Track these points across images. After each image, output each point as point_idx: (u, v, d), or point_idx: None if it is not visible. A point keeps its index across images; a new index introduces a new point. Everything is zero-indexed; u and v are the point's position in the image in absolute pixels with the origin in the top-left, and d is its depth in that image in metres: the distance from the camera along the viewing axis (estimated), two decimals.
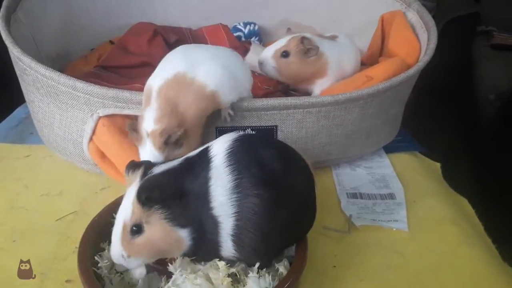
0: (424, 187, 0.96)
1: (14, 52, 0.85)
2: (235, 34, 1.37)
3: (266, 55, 1.05)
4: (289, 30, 1.12)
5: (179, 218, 0.59)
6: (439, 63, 1.07)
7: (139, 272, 0.64)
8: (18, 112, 1.15)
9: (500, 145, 1.48)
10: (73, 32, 1.23)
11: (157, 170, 0.61)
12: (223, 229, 0.59)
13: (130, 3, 1.34)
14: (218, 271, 0.61)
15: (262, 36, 1.43)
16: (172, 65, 0.77)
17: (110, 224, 0.66)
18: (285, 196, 0.61)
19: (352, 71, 1.09)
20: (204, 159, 0.62)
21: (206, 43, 1.34)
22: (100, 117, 0.83)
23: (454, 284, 0.73)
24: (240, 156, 0.61)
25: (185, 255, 0.62)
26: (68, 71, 1.11)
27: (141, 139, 0.73)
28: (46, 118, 0.90)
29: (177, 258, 0.63)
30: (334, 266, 0.75)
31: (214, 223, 0.59)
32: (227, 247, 0.61)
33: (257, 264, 0.63)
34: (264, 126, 0.86)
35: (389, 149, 1.07)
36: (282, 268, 0.64)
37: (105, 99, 0.81)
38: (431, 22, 1.08)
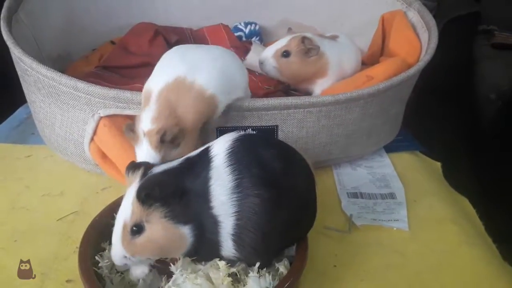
0: (424, 186, 0.96)
1: (16, 52, 0.86)
2: (236, 34, 1.37)
3: (266, 54, 1.05)
4: (290, 30, 1.12)
5: (179, 216, 0.59)
6: (439, 62, 1.07)
7: (140, 271, 0.64)
8: (19, 112, 1.16)
9: (501, 144, 1.48)
10: (75, 32, 1.23)
11: (157, 170, 0.61)
12: (224, 228, 0.59)
13: (131, 3, 1.34)
14: (219, 270, 0.61)
15: (263, 36, 1.43)
16: (171, 68, 0.77)
17: (111, 224, 0.66)
18: (286, 196, 0.61)
19: (352, 71, 1.09)
20: (204, 159, 0.62)
21: (207, 43, 1.34)
22: (101, 118, 0.83)
23: (454, 283, 0.73)
24: (240, 156, 0.61)
25: (186, 254, 0.62)
26: (69, 71, 1.11)
27: (138, 139, 0.73)
28: (47, 119, 0.90)
29: (179, 258, 0.63)
30: (335, 266, 0.75)
31: (214, 223, 0.59)
32: (228, 246, 0.61)
33: (258, 264, 0.62)
34: (264, 126, 0.86)
35: (390, 148, 1.07)
36: (282, 267, 0.64)
37: (106, 100, 0.81)
38: (432, 22, 1.08)
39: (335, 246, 0.79)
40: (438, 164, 1.06)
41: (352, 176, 0.98)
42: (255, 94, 1.09)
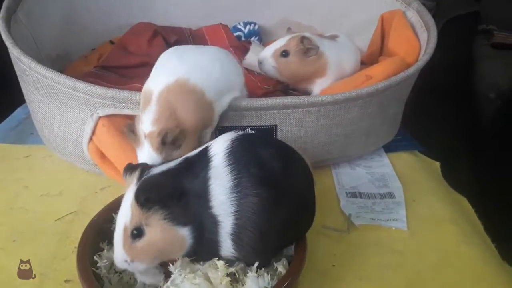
0: (423, 186, 0.96)
1: (14, 52, 0.86)
2: (235, 34, 1.37)
3: (265, 54, 1.05)
4: (289, 30, 1.12)
5: (179, 218, 0.59)
6: (439, 62, 1.07)
7: (155, 279, 0.64)
8: (18, 112, 1.16)
9: (500, 144, 1.48)
10: (74, 32, 1.23)
11: (154, 171, 0.61)
12: (223, 228, 0.59)
13: (132, 3, 1.35)
14: (217, 270, 0.61)
15: (262, 36, 1.44)
16: (171, 69, 0.77)
17: (109, 224, 0.67)
18: (285, 195, 0.61)
19: (351, 71, 1.09)
20: (203, 158, 0.62)
21: (206, 43, 1.34)
22: (99, 117, 0.83)
23: (453, 283, 0.73)
24: (239, 156, 0.61)
25: (185, 255, 0.62)
26: (68, 71, 1.11)
27: (138, 140, 0.73)
28: (46, 119, 0.90)
29: (178, 258, 0.63)
30: (334, 266, 0.75)
31: (213, 222, 0.59)
32: (226, 246, 0.61)
33: (256, 264, 0.62)
34: (263, 126, 0.86)
35: (389, 148, 1.07)
36: (281, 267, 0.64)
37: (105, 99, 0.81)
38: (431, 21, 1.08)
39: (334, 245, 0.79)
40: (437, 163, 1.06)
41: (351, 176, 0.98)
42: (254, 94, 1.09)
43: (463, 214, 0.89)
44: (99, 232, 0.68)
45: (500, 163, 1.41)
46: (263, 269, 0.64)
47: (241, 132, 0.65)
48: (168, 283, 0.61)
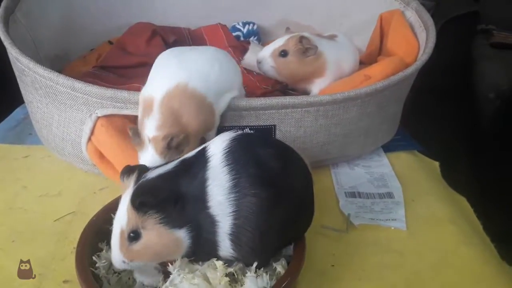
0: (422, 186, 0.96)
1: (13, 52, 0.85)
2: (234, 34, 1.37)
3: (264, 54, 1.05)
4: (288, 30, 1.12)
5: (175, 221, 0.58)
6: (438, 62, 1.07)
7: (153, 279, 0.64)
8: (16, 112, 1.16)
9: (499, 144, 1.48)
10: (73, 32, 1.23)
11: (151, 174, 0.61)
12: (221, 228, 0.59)
13: (131, 3, 1.34)
14: (216, 270, 0.61)
15: (261, 36, 1.44)
16: (171, 74, 0.77)
17: (108, 224, 0.66)
18: (283, 195, 0.61)
19: (350, 71, 1.09)
20: (201, 159, 0.62)
21: (205, 43, 1.34)
22: (98, 118, 0.83)
23: (452, 283, 0.73)
24: (238, 156, 0.61)
25: (184, 255, 0.62)
26: (66, 71, 1.11)
27: (142, 144, 0.73)
28: (44, 119, 0.90)
29: (176, 259, 0.63)
30: (333, 265, 0.75)
31: (211, 222, 0.59)
32: (225, 246, 0.61)
33: (255, 264, 0.62)
34: (262, 126, 0.86)
35: (388, 148, 1.07)
36: (280, 267, 0.64)
37: (103, 99, 0.81)
38: (430, 21, 1.08)
39: (333, 245, 0.78)
40: (436, 163, 1.06)
41: (350, 176, 0.98)
42: (253, 94, 1.10)
43: (462, 214, 0.89)
44: (98, 232, 0.68)
45: (499, 163, 1.42)
46: (262, 269, 0.63)
47: (239, 132, 0.65)
48: (167, 283, 0.61)
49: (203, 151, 0.63)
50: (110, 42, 1.31)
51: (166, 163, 0.64)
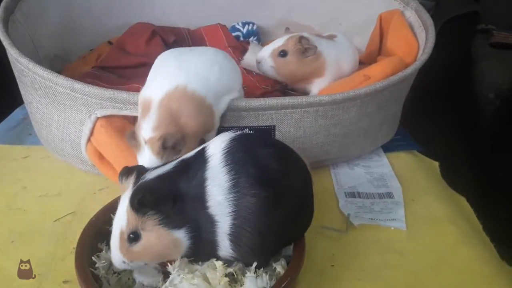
0: (422, 186, 0.96)
1: (12, 53, 0.85)
2: (233, 34, 1.37)
3: (263, 54, 1.05)
4: (287, 30, 1.12)
5: (174, 222, 0.58)
6: (437, 62, 1.07)
7: (153, 279, 0.64)
8: (16, 113, 1.16)
9: (499, 143, 1.48)
10: (72, 32, 1.23)
11: (150, 175, 0.61)
12: (220, 228, 0.59)
13: (130, 3, 1.35)
14: (216, 271, 0.61)
15: (261, 36, 1.44)
16: (170, 75, 0.77)
17: (108, 224, 0.67)
18: (283, 195, 0.61)
19: (350, 71, 1.09)
20: (200, 159, 0.62)
21: (204, 43, 1.34)
22: (98, 118, 0.83)
23: (452, 282, 0.73)
24: (237, 156, 0.61)
25: (183, 255, 0.62)
26: (66, 72, 1.11)
27: (139, 146, 0.73)
28: (44, 119, 0.90)
29: (176, 259, 0.63)
30: (332, 266, 0.75)
31: (210, 222, 0.59)
32: (224, 246, 0.61)
33: (255, 264, 0.62)
34: (262, 126, 0.86)
35: (388, 148, 1.07)
36: (279, 267, 0.64)
37: (103, 100, 0.81)
38: (429, 21, 1.08)
39: (333, 245, 0.78)
40: (436, 163, 1.06)
41: (349, 176, 0.98)
42: (252, 94, 1.10)
43: (462, 214, 0.89)
44: (98, 232, 0.68)
45: (499, 163, 1.41)
46: (262, 269, 0.63)
47: (239, 132, 0.65)
48: (167, 283, 0.61)
49: (202, 151, 0.63)
50: (109, 42, 1.31)
51: (165, 164, 0.63)
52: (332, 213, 0.86)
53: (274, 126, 0.87)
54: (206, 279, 0.61)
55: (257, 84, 1.17)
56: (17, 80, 0.93)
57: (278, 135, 0.88)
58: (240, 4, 1.43)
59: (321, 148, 0.92)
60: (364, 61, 1.20)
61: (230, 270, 0.62)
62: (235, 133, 0.64)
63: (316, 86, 1.05)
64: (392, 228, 0.83)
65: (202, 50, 0.87)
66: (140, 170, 0.62)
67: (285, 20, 1.41)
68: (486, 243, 0.83)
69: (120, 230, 0.60)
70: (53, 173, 0.94)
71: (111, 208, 0.68)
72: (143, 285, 0.64)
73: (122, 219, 0.60)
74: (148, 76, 0.80)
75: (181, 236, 0.59)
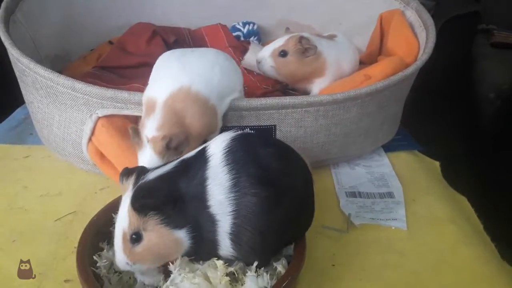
0: (423, 185, 0.96)
1: (13, 53, 0.86)
2: (234, 34, 1.37)
3: (264, 54, 1.05)
4: (287, 30, 1.12)
5: (175, 221, 0.58)
6: (438, 62, 1.07)
7: (154, 279, 0.64)
8: (17, 113, 1.16)
9: (500, 143, 1.48)
10: (73, 32, 1.23)
11: (150, 175, 0.61)
12: (221, 227, 0.59)
13: (131, 3, 1.35)
14: (216, 270, 0.61)
15: (261, 36, 1.44)
16: (173, 76, 0.77)
17: (109, 224, 0.67)
18: (284, 195, 0.61)
19: (350, 70, 1.09)
20: (201, 159, 0.62)
21: (205, 43, 1.34)
22: (99, 118, 0.83)
23: (452, 282, 0.73)
24: (238, 155, 0.61)
25: (184, 254, 0.62)
26: (67, 71, 1.11)
27: (141, 144, 0.74)
28: (45, 119, 0.90)
29: (177, 258, 0.63)
30: (333, 265, 0.75)
31: (211, 222, 0.59)
32: (225, 245, 0.61)
33: (255, 263, 0.62)
34: (262, 126, 0.86)
35: (388, 148, 1.07)
36: (280, 267, 0.64)
37: (104, 100, 0.81)
38: (430, 21, 1.08)
39: (333, 245, 0.79)
40: (437, 163, 1.06)
41: (350, 176, 0.98)
42: (253, 94, 1.10)
43: (462, 213, 0.89)
44: (99, 232, 0.68)
45: (500, 163, 1.41)
46: (263, 268, 0.63)
47: (239, 132, 0.65)
48: (168, 282, 0.61)
49: (203, 150, 0.63)
50: (110, 42, 1.31)
51: (165, 164, 0.64)
52: (332, 213, 0.87)
53: (274, 125, 0.87)
54: (207, 278, 0.61)
55: (258, 84, 1.17)
56: (18, 80, 0.94)
57: (279, 135, 0.88)
58: (240, 4, 1.43)
59: (322, 148, 0.93)
60: (365, 61, 1.20)
61: (231, 269, 0.62)
62: (235, 133, 0.64)
63: (317, 86, 1.05)
64: (393, 228, 0.83)
65: (204, 51, 0.88)
66: (141, 171, 0.62)
67: (285, 20, 1.41)
68: (487, 243, 0.83)
69: (123, 231, 0.60)
70: (54, 172, 0.94)
71: (112, 207, 0.69)
72: (144, 284, 0.64)
73: (124, 220, 0.60)
74: (150, 77, 0.80)
75: (183, 235, 0.59)
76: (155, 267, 0.63)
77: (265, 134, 0.86)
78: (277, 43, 1.04)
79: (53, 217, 0.82)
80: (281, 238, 0.64)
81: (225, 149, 0.61)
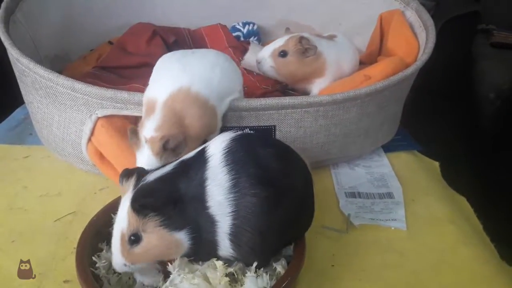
0: (422, 186, 0.96)
1: (13, 53, 0.86)
2: (234, 34, 1.37)
3: (264, 54, 1.05)
4: (287, 30, 1.12)
5: (175, 223, 0.58)
6: (438, 62, 1.08)
7: (153, 279, 0.64)
8: (17, 113, 1.16)
9: (499, 143, 1.48)
10: (73, 32, 1.23)
11: (150, 177, 0.61)
12: (220, 228, 0.59)
13: (131, 3, 1.35)
14: (216, 270, 0.61)
15: (261, 36, 1.44)
16: (174, 77, 0.77)
17: (108, 224, 0.67)
18: (283, 195, 0.61)
19: (350, 71, 1.09)
20: (201, 159, 0.62)
21: (205, 43, 1.34)
22: (98, 118, 0.83)
23: (452, 282, 0.73)
24: (237, 156, 0.61)
25: (184, 255, 0.62)
26: (67, 72, 1.11)
27: (139, 144, 0.74)
28: (45, 119, 0.90)
29: (176, 258, 0.63)
30: (333, 265, 0.75)
31: (210, 222, 0.59)
32: (225, 246, 0.61)
33: (255, 264, 0.62)
34: (262, 126, 0.86)
35: (388, 148, 1.07)
36: (280, 267, 0.64)
37: (103, 100, 0.81)
38: (430, 21, 1.08)
39: (333, 245, 0.79)
40: (436, 163, 1.06)
41: (350, 176, 0.98)
42: (253, 94, 1.10)
43: (462, 214, 0.89)
44: (98, 232, 0.68)
45: (499, 163, 1.41)
46: (262, 269, 0.63)
47: (239, 132, 0.65)
48: (167, 283, 0.61)
49: (203, 151, 0.63)
50: (110, 42, 1.31)
51: (165, 165, 0.63)
52: (332, 213, 0.86)
53: (274, 126, 0.87)
54: (206, 279, 0.61)
55: (258, 84, 1.17)
56: (18, 80, 0.94)
57: (279, 135, 0.88)
58: (240, 4, 1.43)
59: (322, 148, 0.93)
60: (365, 61, 1.20)
61: (231, 270, 0.62)
62: (235, 133, 0.64)
63: (317, 86, 1.05)
64: (393, 228, 0.83)
65: (204, 53, 0.87)
66: (141, 172, 0.62)
67: (285, 20, 1.41)
68: (486, 243, 0.83)
69: (121, 232, 0.60)
70: (53, 173, 0.94)
71: (112, 208, 0.69)
72: (143, 285, 0.64)
73: (123, 221, 0.60)
74: (151, 78, 0.80)
75: (182, 237, 0.59)
76: (153, 264, 0.63)
77: (265, 135, 0.86)
78: (277, 43, 1.04)
79: (52, 217, 0.82)
80: (281, 238, 0.64)
81: (225, 149, 0.61)
